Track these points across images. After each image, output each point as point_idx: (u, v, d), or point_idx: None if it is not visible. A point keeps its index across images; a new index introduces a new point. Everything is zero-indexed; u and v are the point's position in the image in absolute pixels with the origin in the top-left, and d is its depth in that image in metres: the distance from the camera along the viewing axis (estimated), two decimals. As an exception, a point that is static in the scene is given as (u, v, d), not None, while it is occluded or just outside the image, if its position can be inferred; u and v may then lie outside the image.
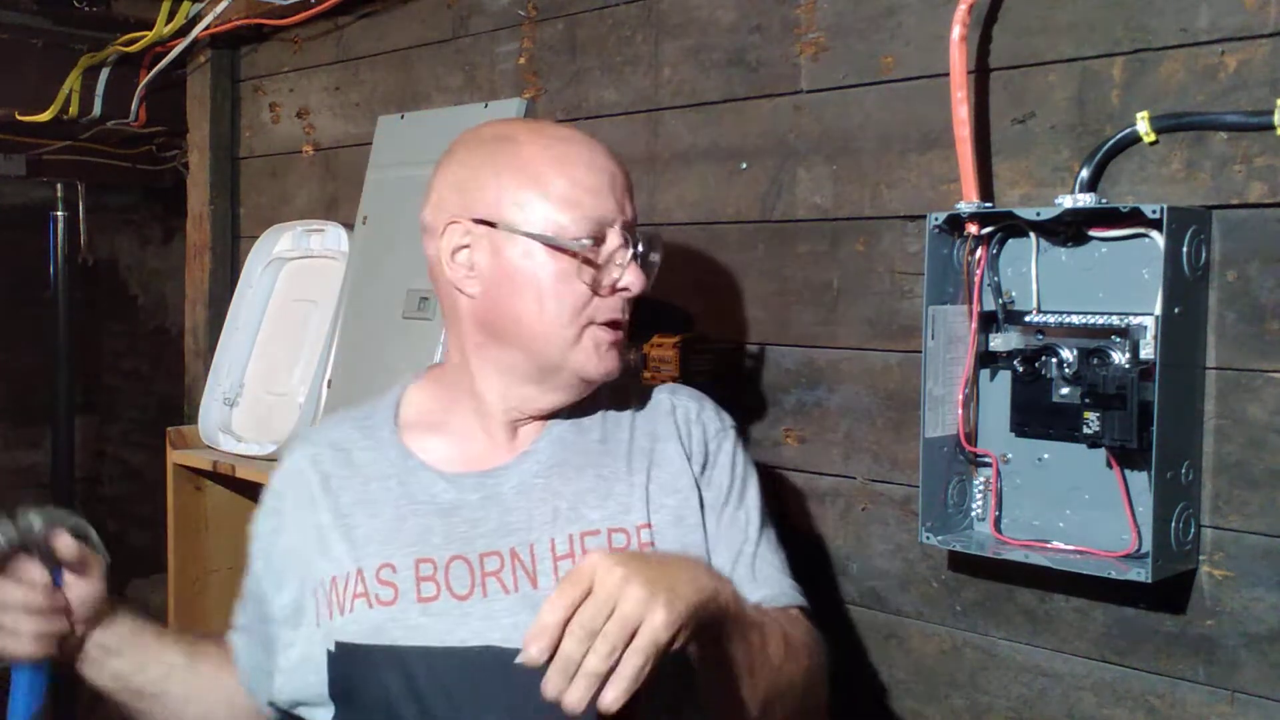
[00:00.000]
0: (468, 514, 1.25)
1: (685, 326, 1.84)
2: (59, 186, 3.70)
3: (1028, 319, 1.45)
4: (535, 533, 1.23)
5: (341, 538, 1.26)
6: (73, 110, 2.98)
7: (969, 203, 1.45)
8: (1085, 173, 1.41)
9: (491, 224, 1.24)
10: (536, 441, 1.29)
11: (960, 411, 1.48)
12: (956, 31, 1.45)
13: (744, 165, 1.78)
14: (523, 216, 1.23)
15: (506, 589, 1.21)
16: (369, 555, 1.24)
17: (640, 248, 1.26)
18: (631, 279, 1.26)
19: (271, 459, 2.38)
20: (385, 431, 1.32)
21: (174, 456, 2.57)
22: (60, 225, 3.76)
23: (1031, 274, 1.45)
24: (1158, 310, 1.31)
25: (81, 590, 1.28)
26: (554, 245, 1.23)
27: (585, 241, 1.23)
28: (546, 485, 1.26)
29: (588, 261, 1.23)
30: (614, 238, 1.25)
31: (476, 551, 1.22)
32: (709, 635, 1.03)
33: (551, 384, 1.28)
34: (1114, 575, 1.33)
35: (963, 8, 1.45)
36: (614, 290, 1.26)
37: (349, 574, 1.24)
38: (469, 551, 1.22)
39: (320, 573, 1.26)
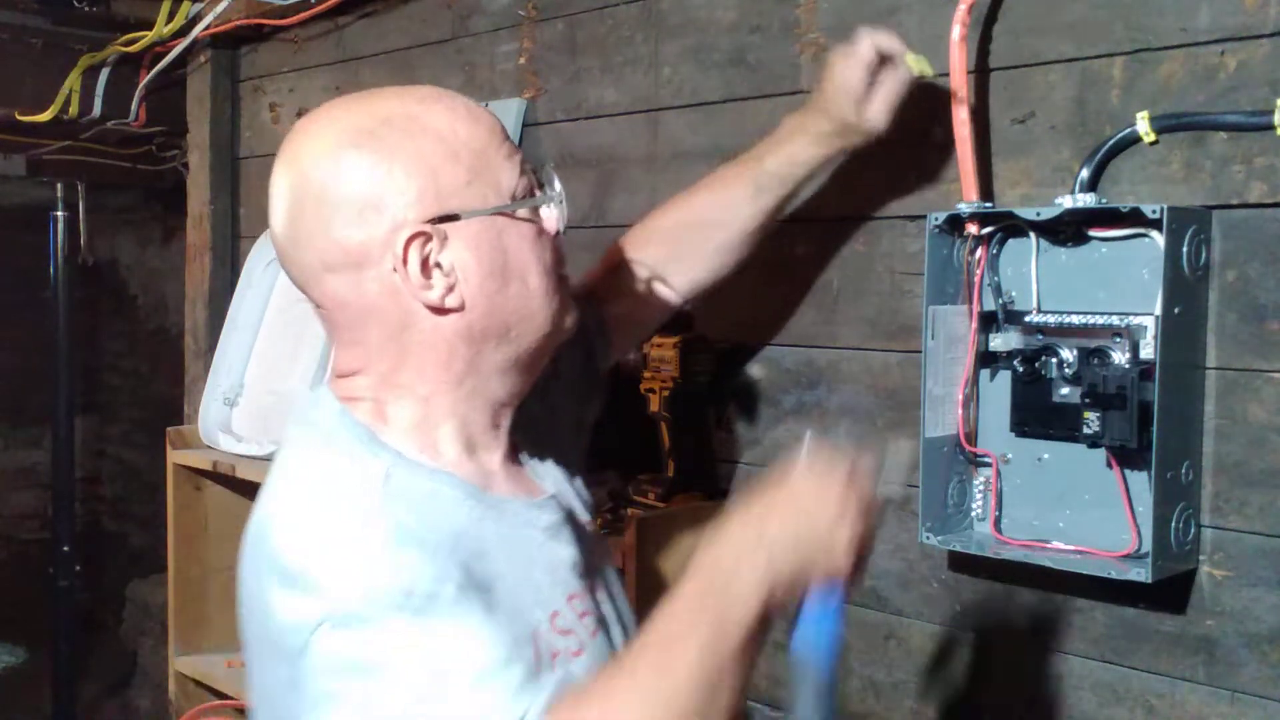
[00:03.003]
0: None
1: (685, 326, 1.84)
2: (59, 186, 3.70)
3: (1028, 319, 1.45)
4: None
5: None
6: (73, 110, 2.98)
7: (969, 203, 1.45)
8: (1085, 173, 1.41)
9: (453, 217, 1.04)
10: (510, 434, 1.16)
11: (960, 411, 1.48)
12: (956, 31, 1.45)
13: (744, 165, 1.77)
14: (478, 193, 1.05)
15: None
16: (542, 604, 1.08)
17: (556, 180, 1.13)
18: (564, 213, 1.12)
19: (271, 459, 2.38)
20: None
21: (174, 456, 2.57)
22: (60, 225, 3.76)
23: (1031, 274, 1.45)
24: (1158, 310, 1.31)
25: None
26: (513, 211, 1.07)
27: (542, 194, 1.10)
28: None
29: (535, 212, 1.10)
30: (544, 177, 1.12)
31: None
32: None
33: (536, 366, 1.13)
34: (1114, 575, 1.33)
35: (963, 8, 1.44)
36: (557, 233, 1.12)
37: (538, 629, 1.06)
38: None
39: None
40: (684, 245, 1.47)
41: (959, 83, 1.45)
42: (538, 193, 1.11)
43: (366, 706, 0.93)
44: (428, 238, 1.03)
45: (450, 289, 1.05)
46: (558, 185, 1.11)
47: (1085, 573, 1.37)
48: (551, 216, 1.11)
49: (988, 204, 1.47)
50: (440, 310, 1.05)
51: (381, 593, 0.95)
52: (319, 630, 0.94)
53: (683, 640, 0.96)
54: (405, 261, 1.03)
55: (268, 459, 2.38)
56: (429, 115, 1.06)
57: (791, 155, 1.47)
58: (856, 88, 1.41)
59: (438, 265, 1.04)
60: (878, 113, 1.43)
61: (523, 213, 1.08)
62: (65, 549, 3.88)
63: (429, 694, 0.93)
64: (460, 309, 1.05)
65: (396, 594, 0.94)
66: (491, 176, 1.06)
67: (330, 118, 1.08)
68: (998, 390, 1.48)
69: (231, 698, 2.45)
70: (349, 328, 1.08)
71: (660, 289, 1.46)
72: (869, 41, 1.40)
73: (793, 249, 1.73)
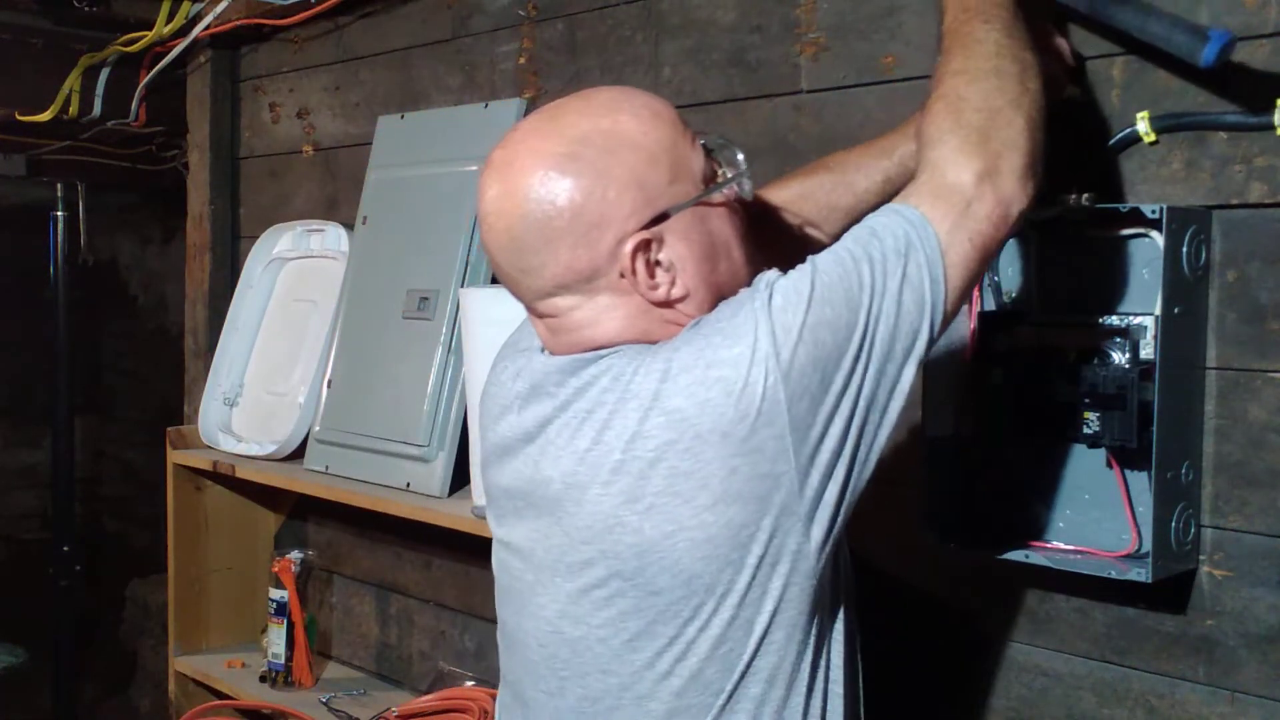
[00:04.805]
0: None
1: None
2: (59, 186, 3.70)
3: (1028, 319, 1.45)
4: None
5: None
6: (73, 110, 2.98)
7: (969, 203, 1.45)
8: (1085, 173, 1.41)
9: (664, 216, 1.11)
10: None
11: (961, 410, 1.48)
12: (956, 31, 1.44)
13: (744, 165, 1.77)
14: (680, 188, 1.13)
15: None
16: None
17: (738, 151, 1.19)
18: (752, 182, 1.19)
19: (271, 459, 2.39)
20: None
21: (174, 456, 2.57)
22: (60, 225, 3.76)
23: (1031, 274, 1.45)
24: (1158, 310, 1.31)
25: None
26: (710, 197, 1.14)
27: (732, 171, 1.16)
28: None
29: (728, 184, 1.16)
30: (719, 158, 1.17)
31: None
32: None
33: None
34: (1114, 575, 1.33)
35: (963, 8, 1.44)
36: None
37: None
38: None
39: None
40: (804, 212, 1.45)
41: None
42: (718, 168, 1.17)
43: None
44: (648, 242, 1.11)
45: (673, 282, 1.13)
46: (741, 157, 1.18)
47: (1085, 573, 1.37)
48: (744, 190, 1.18)
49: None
50: (668, 304, 1.13)
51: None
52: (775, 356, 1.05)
53: (978, 40, 1.18)
54: (634, 270, 1.11)
55: (268, 459, 2.39)
56: (619, 126, 1.12)
57: None
58: None
59: (658, 263, 1.12)
60: None
61: (720, 193, 1.15)
62: (65, 549, 3.88)
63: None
64: (685, 297, 1.13)
65: None
66: (686, 168, 1.14)
67: (528, 149, 1.13)
68: (998, 390, 1.48)
69: (231, 698, 2.46)
70: (582, 328, 1.15)
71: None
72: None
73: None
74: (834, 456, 1.08)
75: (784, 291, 1.07)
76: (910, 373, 1.10)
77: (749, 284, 1.15)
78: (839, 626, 1.18)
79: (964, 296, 1.13)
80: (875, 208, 1.37)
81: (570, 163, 1.10)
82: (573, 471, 1.12)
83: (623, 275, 1.11)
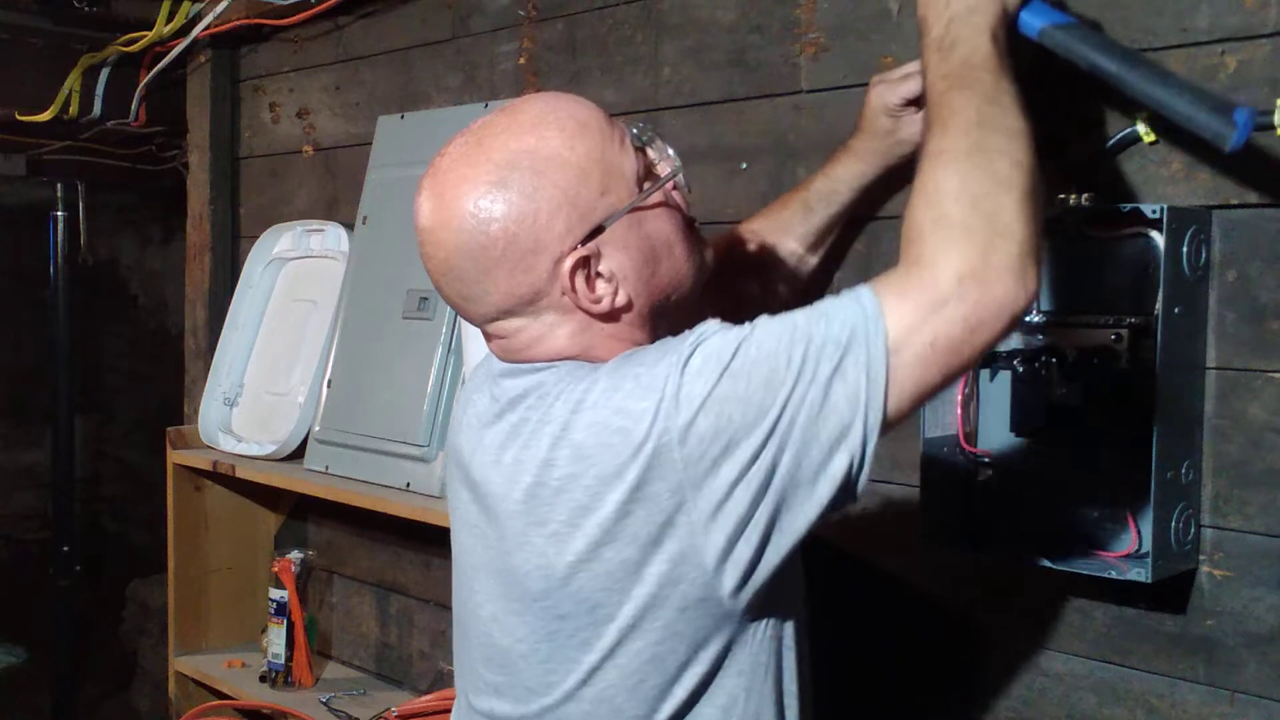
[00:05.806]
0: None
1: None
2: (59, 186, 3.70)
3: (1028, 319, 1.45)
4: None
5: None
6: (73, 110, 2.98)
7: (969, 203, 1.45)
8: (1085, 173, 1.41)
9: (600, 228, 1.12)
10: None
11: (960, 411, 1.48)
12: (956, 31, 1.44)
13: (744, 165, 1.78)
14: (612, 197, 1.13)
15: None
16: None
17: (668, 146, 1.20)
18: (683, 175, 1.19)
19: (271, 459, 2.39)
20: None
21: (174, 456, 2.57)
22: (60, 225, 3.77)
23: (1031, 274, 1.45)
24: (1158, 310, 1.31)
25: None
26: (644, 201, 1.14)
27: (665, 167, 1.17)
28: None
29: (659, 186, 1.17)
30: (652, 152, 1.19)
31: None
32: None
33: (693, 304, 1.21)
34: (1114, 575, 1.33)
35: (963, 8, 1.44)
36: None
37: None
38: None
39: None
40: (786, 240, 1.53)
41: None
42: (652, 155, 1.17)
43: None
44: (587, 258, 1.11)
45: (615, 292, 1.13)
46: (671, 151, 1.18)
47: (1085, 573, 1.37)
48: (680, 184, 1.18)
49: (988, 204, 1.47)
50: (612, 315, 1.14)
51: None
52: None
53: (956, 111, 1.11)
54: (574, 288, 1.12)
55: (268, 459, 2.39)
56: (545, 144, 1.11)
57: (836, 173, 1.51)
58: (890, 106, 1.45)
59: (599, 275, 1.12)
60: (911, 131, 1.44)
61: (655, 193, 1.15)
62: (65, 549, 3.88)
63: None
64: (629, 305, 1.14)
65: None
66: (618, 174, 1.13)
67: (457, 177, 1.13)
68: (998, 390, 1.48)
69: (231, 698, 2.46)
70: (531, 346, 1.16)
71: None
72: (917, 81, 1.39)
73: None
74: (741, 521, 1.05)
75: (704, 355, 1.05)
76: (841, 461, 1.04)
77: (698, 269, 1.18)
78: (781, 651, 1.17)
79: (918, 399, 1.05)
80: (854, 203, 1.45)
81: (499, 190, 1.10)
82: (499, 481, 1.14)
83: (564, 293, 1.12)
